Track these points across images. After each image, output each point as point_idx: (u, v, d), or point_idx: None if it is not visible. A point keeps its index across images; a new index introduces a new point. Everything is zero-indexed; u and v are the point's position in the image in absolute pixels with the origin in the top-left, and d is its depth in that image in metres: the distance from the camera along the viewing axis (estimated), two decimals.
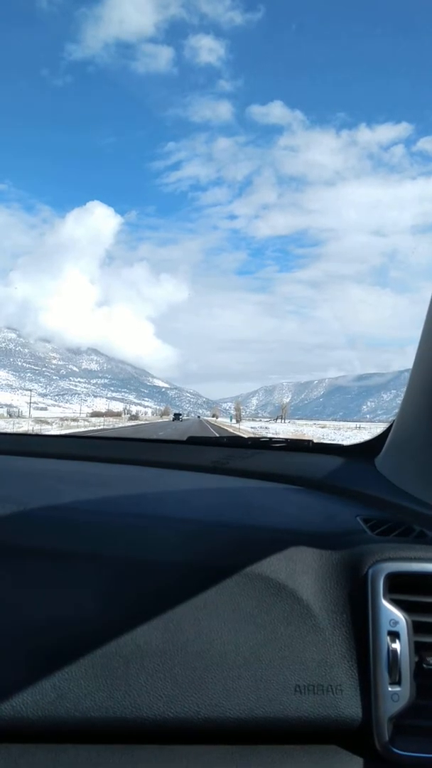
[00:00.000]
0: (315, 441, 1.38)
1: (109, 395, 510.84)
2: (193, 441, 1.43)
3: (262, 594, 0.71)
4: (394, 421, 1.05)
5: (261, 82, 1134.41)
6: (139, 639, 0.68)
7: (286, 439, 1.39)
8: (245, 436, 1.48)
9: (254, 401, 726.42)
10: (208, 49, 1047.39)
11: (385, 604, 0.69)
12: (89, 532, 0.77)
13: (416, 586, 0.71)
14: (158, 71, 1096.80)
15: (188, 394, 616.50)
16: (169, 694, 0.67)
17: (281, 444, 1.38)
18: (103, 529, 0.78)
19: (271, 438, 1.42)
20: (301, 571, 0.73)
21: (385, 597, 0.69)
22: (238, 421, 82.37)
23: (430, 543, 0.77)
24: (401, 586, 0.71)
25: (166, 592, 0.71)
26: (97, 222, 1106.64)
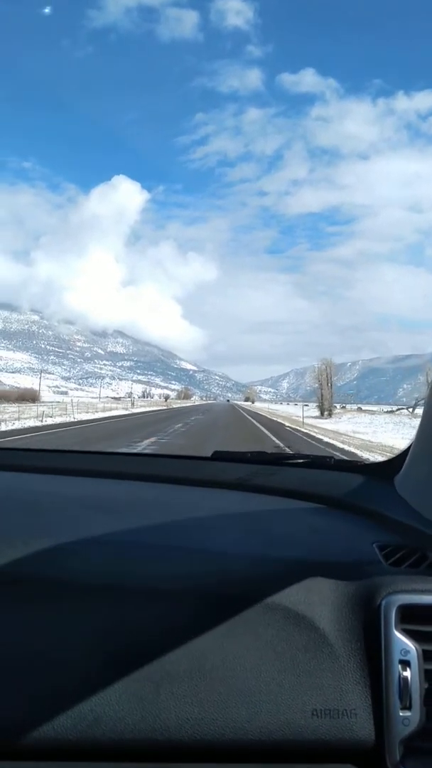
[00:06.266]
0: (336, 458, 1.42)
1: (135, 378, 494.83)
2: (218, 457, 1.47)
3: (282, 623, 0.75)
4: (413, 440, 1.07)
5: (292, 48, 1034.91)
6: (168, 666, 0.73)
7: (309, 455, 1.45)
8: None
9: (285, 384, 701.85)
10: (235, 12, 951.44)
11: (397, 634, 0.73)
12: (119, 565, 0.82)
13: (427, 616, 0.75)
14: (183, 37, 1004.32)
15: (217, 377, 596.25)
16: (196, 717, 0.71)
17: (304, 460, 1.43)
18: (132, 561, 0.83)
19: (294, 454, 1.42)
20: (318, 601, 0.77)
21: (396, 628, 0.73)
22: (327, 413, 42.40)
23: None
24: (413, 616, 0.75)
25: (192, 621, 0.76)
26: (123, 197, 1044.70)
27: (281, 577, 0.79)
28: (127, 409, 47.07)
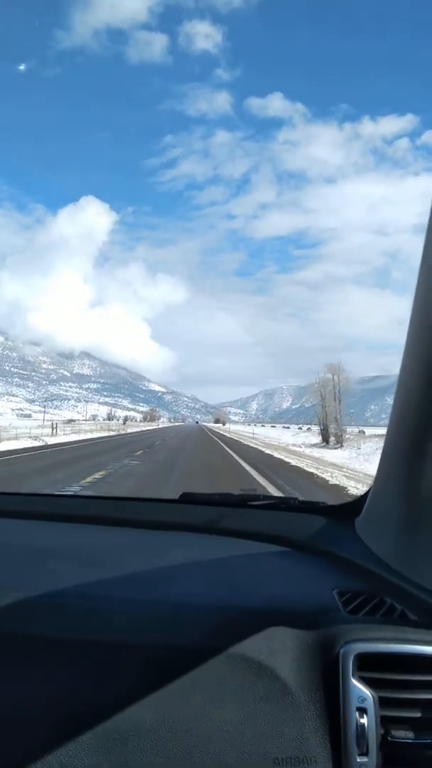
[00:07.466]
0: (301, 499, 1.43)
1: (101, 400, 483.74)
2: (186, 499, 1.49)
3: (244, 673, 0.77)
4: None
5: (260, 72, 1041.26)
6: (135, 718, 0.74)
7: (275, 497, 1.47)
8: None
9: (254, 405, 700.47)
10: (204, 36, 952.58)
11: (354, 682, 0.75)
12: (86, 619, 0.84)
13: (382, 663, 0.77)
14: (152, 60, 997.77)
15: (185, 398, 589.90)
16: None
17: (271, 502, 1.47)
18: (99, 615, 0.85)
19: (261, 495, 1.50)
20: (280, 651, 0.79)
21: (354, 676, 0.75)
22: (335, 440, 29.61)
23: (396, 620, 0.84)
24: (369, 664, 0.77)
25: (159, 673, 0.77)
26: (92, 218, 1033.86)
27: (245, 626, 0.82)
28: (37, 439, 26.45)
